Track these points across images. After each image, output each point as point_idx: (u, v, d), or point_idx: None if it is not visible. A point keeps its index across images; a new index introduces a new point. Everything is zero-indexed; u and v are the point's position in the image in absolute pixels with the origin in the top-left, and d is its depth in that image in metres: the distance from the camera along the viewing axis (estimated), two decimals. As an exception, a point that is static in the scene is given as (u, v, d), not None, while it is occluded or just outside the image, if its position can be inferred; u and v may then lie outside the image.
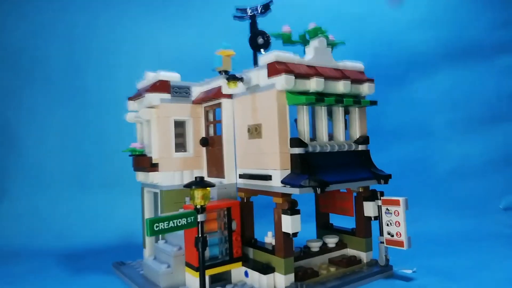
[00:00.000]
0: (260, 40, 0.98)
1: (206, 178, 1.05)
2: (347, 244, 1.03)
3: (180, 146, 1.04)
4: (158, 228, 0.61)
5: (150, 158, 1.01)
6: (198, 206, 0.68)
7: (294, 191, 0.80)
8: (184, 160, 1.03)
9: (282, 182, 0.82)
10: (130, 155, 1.07)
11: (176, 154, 1.01)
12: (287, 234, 0.82)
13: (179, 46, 1.77)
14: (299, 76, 0.84)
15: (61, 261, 1.20)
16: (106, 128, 1.66)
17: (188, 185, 0.69)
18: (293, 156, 0.84)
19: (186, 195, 1.02)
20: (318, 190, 0.79)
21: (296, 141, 0.83)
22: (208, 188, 0.69)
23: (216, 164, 1.03)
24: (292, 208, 0.82)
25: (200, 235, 0.69)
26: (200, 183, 0.68)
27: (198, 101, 1.04)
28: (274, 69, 0.83)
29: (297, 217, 0.82)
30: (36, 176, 1.58)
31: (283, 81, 0.81)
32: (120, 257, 1.12)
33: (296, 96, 0.83)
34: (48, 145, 1.64)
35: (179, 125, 1.04)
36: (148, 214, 1.09)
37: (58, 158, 1.64)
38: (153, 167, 1.00)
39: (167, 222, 0.63)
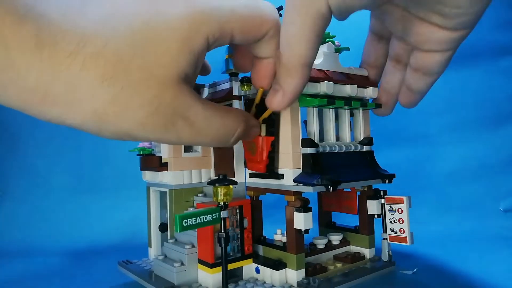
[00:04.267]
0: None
1: (213, 177, 1.08)
2: (350, 241, 1.07)
3: (189, 146, 1.06)
4: (186, 224, 0.64)
5: (159, 157, 1.03)
6: (221, 203, 0.71)
7: (307, 189, 0.83)
8: (192, 160, 1.04)
9: (295, 180, 0.85)
10: (138, 155, 1.08)
11: (185, 154, 1.03)
12: (299, 231, 0.85)
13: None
14: (310, 79, 0.87)
15: (66, 260, 1.20)
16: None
17: (212, 183, 0.71)
18: (304, 156, 0.87)
19: (194, 194, 1.04)
20: (330, 188, 0.82)
21: (308, 142, 0.87)
22: (230, 186, 0.71)
23: (224, 164, 1.05)
24: (304, 205, 0.85)
25: (223, 231, 0.71)
26: (223, 180, 0.71)
27: (206, 102, 1.06)
28: (288, 72, 0.86)
29: (309, 214, 0.85)
30: (37, 177, 1.56)
31: (296, 84, 0.84)
32: (123, 256, 1.12)
33: (308, 98, 0.86)
34: (51, 145, 1.62)
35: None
36: (154, 213, 1.10)
37: (60, 158, 1.62)
38: (163, 166, 1.02)
39: (194, 218, 0.65)
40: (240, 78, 0.91)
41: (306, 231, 0.85)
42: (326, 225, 1.15)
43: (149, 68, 0.46)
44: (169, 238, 1.01)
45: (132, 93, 0.46)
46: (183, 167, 1.03)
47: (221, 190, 0.70)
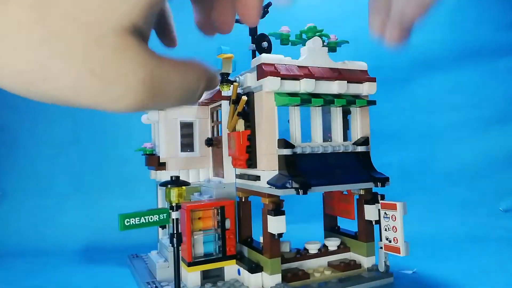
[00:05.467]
0: (264, 44, 0.99)
1: (212, 177, 1.09)
2: (350, 248, 1.00)
3: (188, 146, 1.09)
4: (129, 223, 0.66)
5: (159, 157, 1.07)
6: (173, 204, 0.72)
7: (277, 192, 0.80)
8: (190, 160, 1.07)
9: (268, 183, 0.83)
10: (142, 154, 1.13)
11: (182, 153, 1.06)
12: (272, 234, 0.83)
13: (180, 49, 1.77)
14: (287, 77, 0.83)
15: (68, 259, 1.26)
16: (112, 127, 1.69)
17: (164, 184, 0.72)
18: (280, 157, 0.84)
19: (191, 192, 1.07)
20: (300, 192, 0.78)
21: (282, 142, 0.83)
22: (183, 187, 0.72)
23: (219, 164, 1.06)
24: (276, 209, 0.82)
25: (175, 232, 0.72)
26: (175, 182, 0.72)
27: (203, 103, 1.08)
28: (261, 71, 0.84)
29: (282, 218, 0.82)
30: (37, 177, 1.61)
31: (268, 83, 0.82)
32: (134, 250, 1.19)
33: (282, 97, 0.83)
34: (51, 145, 1.68)
35: (189, 126, 1.09)
36: (160, 210, 1.15)
37: (60, 158, 1.67)
38: (161, 165, 1.06)
39: (138, 218, 0.67)
40: (220, 79, 0.91)
41: (280, 235, 0.83)
42: (330, 229, 1.09)
43: (77, 14, 0.36)
44: (164, 235, 1.05)
45: (57, 45, 0.34)
46: (180, 166, 1.06)
47: (173, 192, 0.71)
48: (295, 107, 0.88)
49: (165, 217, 0.70)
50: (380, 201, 0.90)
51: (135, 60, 0.40)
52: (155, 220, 0.69)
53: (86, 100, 0.38)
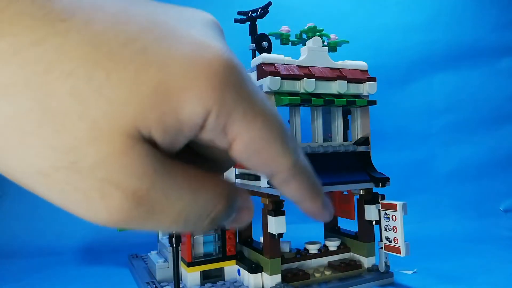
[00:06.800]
0: (264, 44, 0.99)
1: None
2: (351, 248, 1.00)
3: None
4: (128, 223, 0.66)
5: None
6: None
7: (277, 192, 0.80)
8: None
9: (268, 183, 0.83)
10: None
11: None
12: (272, 235, 0.83)
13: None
14: (287, 77, 0.83)
15: (82, 253, 1.28)
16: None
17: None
18: (280, 157, 0.84)
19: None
20: (300, 192, 0.78)
21: (283, 142, 0.83)
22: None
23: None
24: (276, 209, 0.82)
25: (174, 232, 0.72)
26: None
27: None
28: (261, 71, 0.84)
29: (281, 218, 0.82)
30: None
31: (268, 83, 0.82)
32: (135, 250, 1.19)
33: (283, 97, 0.83)
34: None
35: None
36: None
37: None
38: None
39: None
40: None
41: (280, 235, 0.82)
42: (330, 230, 1.09)
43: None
44: (164, 235, 1.05)
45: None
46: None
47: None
48: (295, 107, 0.88)
49: (164, 217, 0.70)
50: (380, 201, 0.90)
51: (130, 169, 0.23)
52: (154, 220, 0.68)
53: (56, 194, 0.23)
